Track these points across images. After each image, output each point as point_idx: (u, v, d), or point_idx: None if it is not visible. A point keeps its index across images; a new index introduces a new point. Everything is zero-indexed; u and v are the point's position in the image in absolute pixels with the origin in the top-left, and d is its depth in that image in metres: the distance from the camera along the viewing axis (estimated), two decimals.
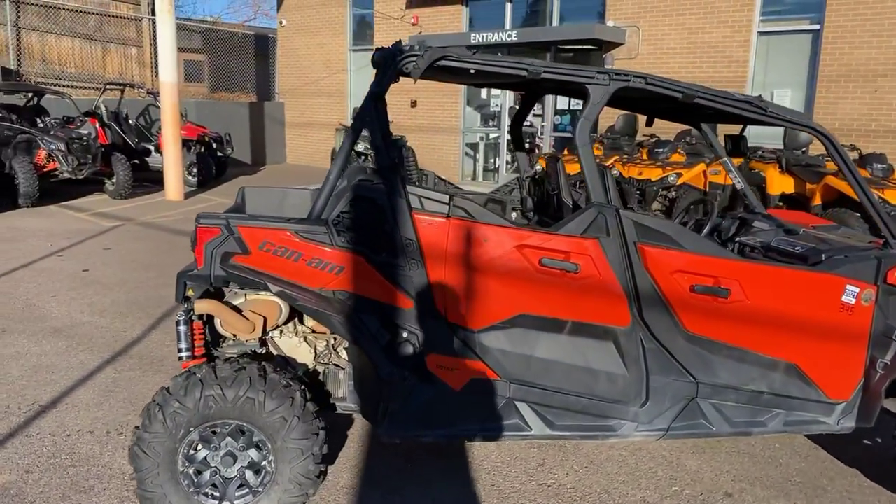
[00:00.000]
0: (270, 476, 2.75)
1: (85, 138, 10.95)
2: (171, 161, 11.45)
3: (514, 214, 4.17)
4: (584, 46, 12.54)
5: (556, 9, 13.11)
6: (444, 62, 2.75)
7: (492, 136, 14.71)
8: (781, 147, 9.48)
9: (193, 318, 2.98)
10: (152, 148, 12.94)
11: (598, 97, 2.85)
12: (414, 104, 15.08)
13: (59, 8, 14.16)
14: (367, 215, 2.78)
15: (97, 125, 11.89)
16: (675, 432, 3.06)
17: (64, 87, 14.35)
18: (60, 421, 3.80)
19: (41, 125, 11.29)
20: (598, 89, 2.85)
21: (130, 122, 13.54)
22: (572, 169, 10.08)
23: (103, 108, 12.54)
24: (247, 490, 2.77)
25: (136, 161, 13.15)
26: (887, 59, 9.79)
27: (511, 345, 2.90)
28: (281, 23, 17.75)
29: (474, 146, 15.06)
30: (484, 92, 14.93)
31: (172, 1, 10.80)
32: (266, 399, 2.68)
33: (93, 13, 14.74)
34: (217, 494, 2.75)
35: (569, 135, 12.84)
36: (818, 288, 3.00)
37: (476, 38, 12.70)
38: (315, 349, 3.27)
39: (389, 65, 2.75)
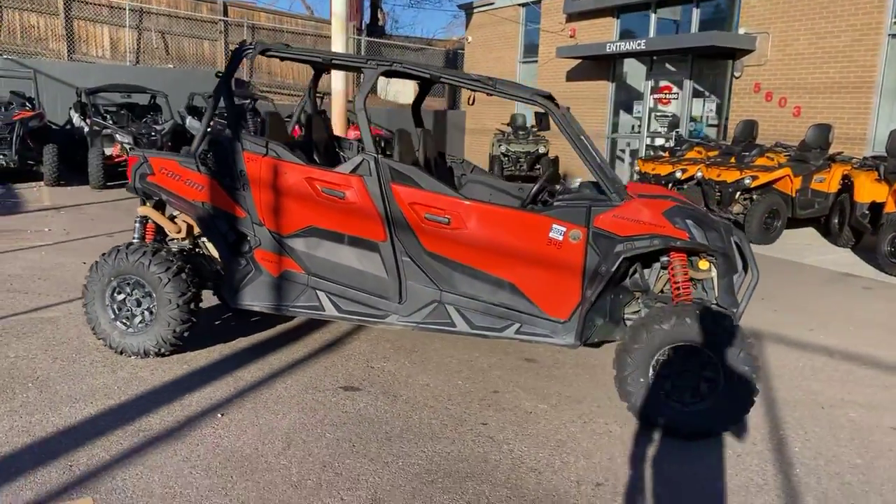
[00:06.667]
0: (154, 315, 4.35)
1: None
2: None
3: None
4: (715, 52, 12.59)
5: (695, 18, 13.28)
6: (269, 53, 4.17)
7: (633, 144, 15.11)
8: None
9: (148, 219, 4.71)
10: None
11: (370, 76, 4.04)
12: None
13: (282, 31, 17.67)
14: (218, 153, 4.27)
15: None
16: (426, 326, 4.09)
17: (283, 94, 17.66)
18: None
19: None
20: (369, 71, 4.04)
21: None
22: (664, 169, 10.49)
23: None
24: (143, 323, 4.40)
25: None
26: None
27: (308, 248, 4.19)
28: (468, 39, 19.71)
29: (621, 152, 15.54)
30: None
31: (343, 24, 13.12)
32: (150, 264, 4.29)
33: (310, 35, 18.02)
34: (127, 323, 4.42)
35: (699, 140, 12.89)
36: (526, 225, 3.84)
37: (611, 48, 13.37)
38: None
39: (236, 54, 4.22)
